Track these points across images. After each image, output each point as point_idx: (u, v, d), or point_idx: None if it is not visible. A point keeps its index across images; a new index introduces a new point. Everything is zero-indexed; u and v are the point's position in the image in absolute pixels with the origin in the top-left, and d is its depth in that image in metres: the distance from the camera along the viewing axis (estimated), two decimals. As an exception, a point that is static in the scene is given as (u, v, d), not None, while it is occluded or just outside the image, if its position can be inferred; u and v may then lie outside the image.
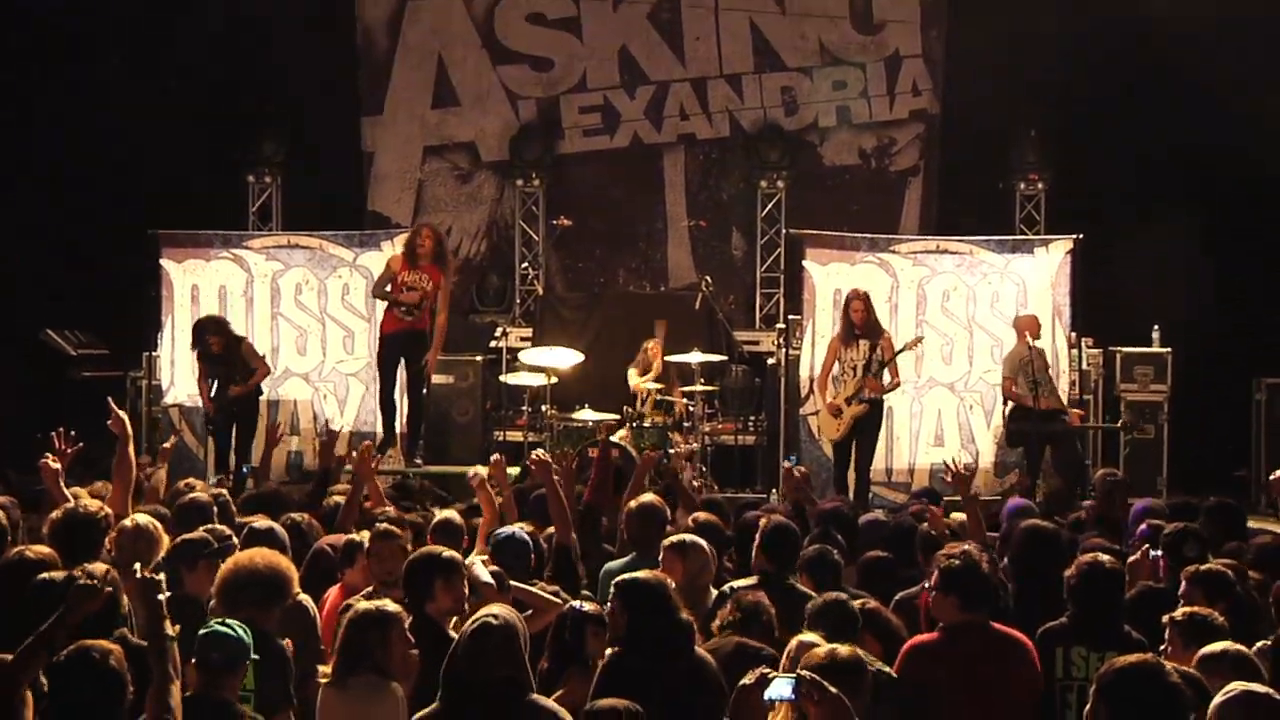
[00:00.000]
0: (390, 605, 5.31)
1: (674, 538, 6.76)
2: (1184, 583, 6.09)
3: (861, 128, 15.94)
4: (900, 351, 11.85)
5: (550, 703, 4.76)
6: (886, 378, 11.79)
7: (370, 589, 6.24)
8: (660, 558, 6.60)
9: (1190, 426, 13.58)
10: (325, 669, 5.34)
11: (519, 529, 6.95)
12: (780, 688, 4.19)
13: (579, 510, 7.89)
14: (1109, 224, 14.05)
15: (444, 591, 5.71)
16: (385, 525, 6.58)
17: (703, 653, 5.42)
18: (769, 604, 5.86)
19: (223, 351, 12.21)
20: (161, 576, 4.77)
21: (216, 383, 12.20)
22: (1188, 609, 5.60)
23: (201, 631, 5.01)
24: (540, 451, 8.15)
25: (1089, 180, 14.64)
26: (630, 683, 5.08)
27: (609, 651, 5.40)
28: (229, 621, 5.12)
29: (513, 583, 6.20)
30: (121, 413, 7.77)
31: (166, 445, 9.86)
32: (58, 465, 7.19)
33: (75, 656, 4.38)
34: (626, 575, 5.60)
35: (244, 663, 5.04)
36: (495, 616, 4.76)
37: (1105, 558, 6.00)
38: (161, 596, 4.69)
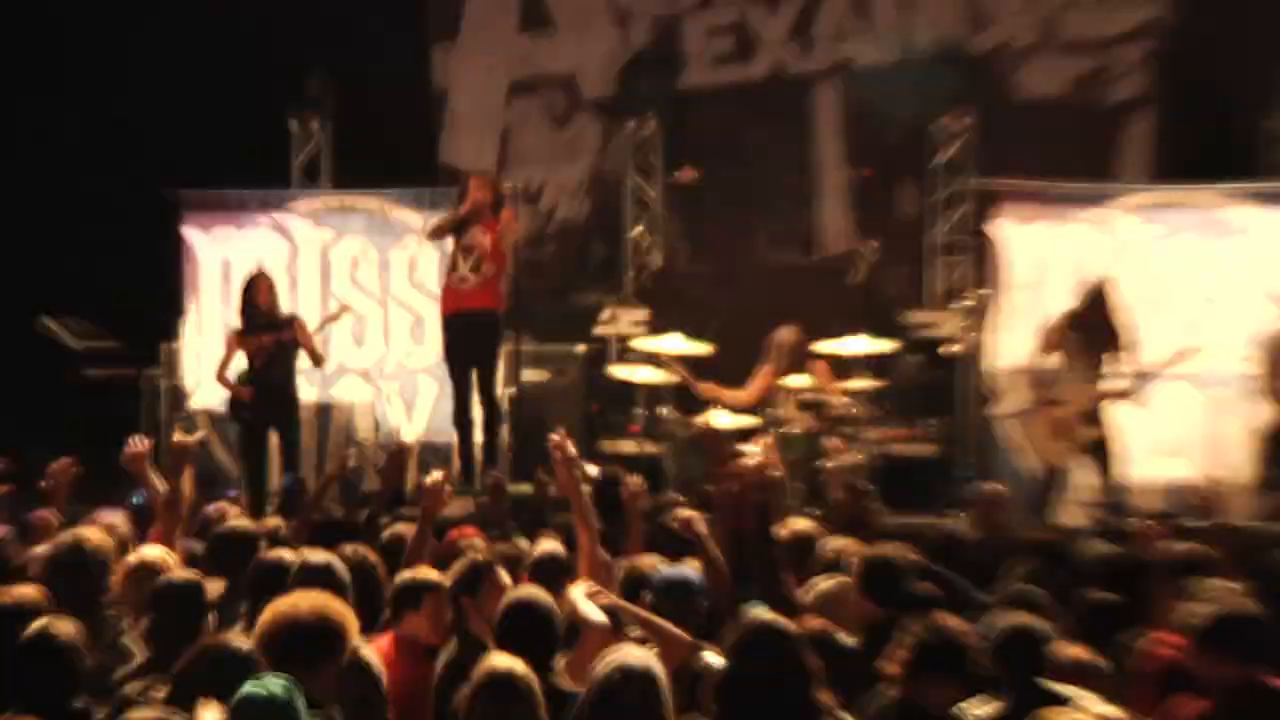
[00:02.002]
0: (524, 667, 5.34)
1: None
2: None
3: (1071, 47, 15.71)
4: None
5: None
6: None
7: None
8: None
9: None
10: None
11: (691, 570, 6.88)
12: None
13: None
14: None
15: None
16: (427, 575, 6.69)
17: None
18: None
19: (270, 306, 12.26)
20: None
21: (262, 362, 12.16)
22: None
23: (236, 697, 4.98)
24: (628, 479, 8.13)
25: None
26: None
27: None
28: (269, 681, 5.10)
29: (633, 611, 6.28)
30: (186, 436, 7.92)
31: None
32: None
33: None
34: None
35: None
36: (629, 664, 4.73)
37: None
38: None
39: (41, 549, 6.56)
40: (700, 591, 6.67)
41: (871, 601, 6.67)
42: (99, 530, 6.86)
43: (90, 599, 6.04)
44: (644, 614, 6.28)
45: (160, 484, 7.80)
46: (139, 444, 8.02)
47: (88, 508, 8.70)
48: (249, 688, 5.06)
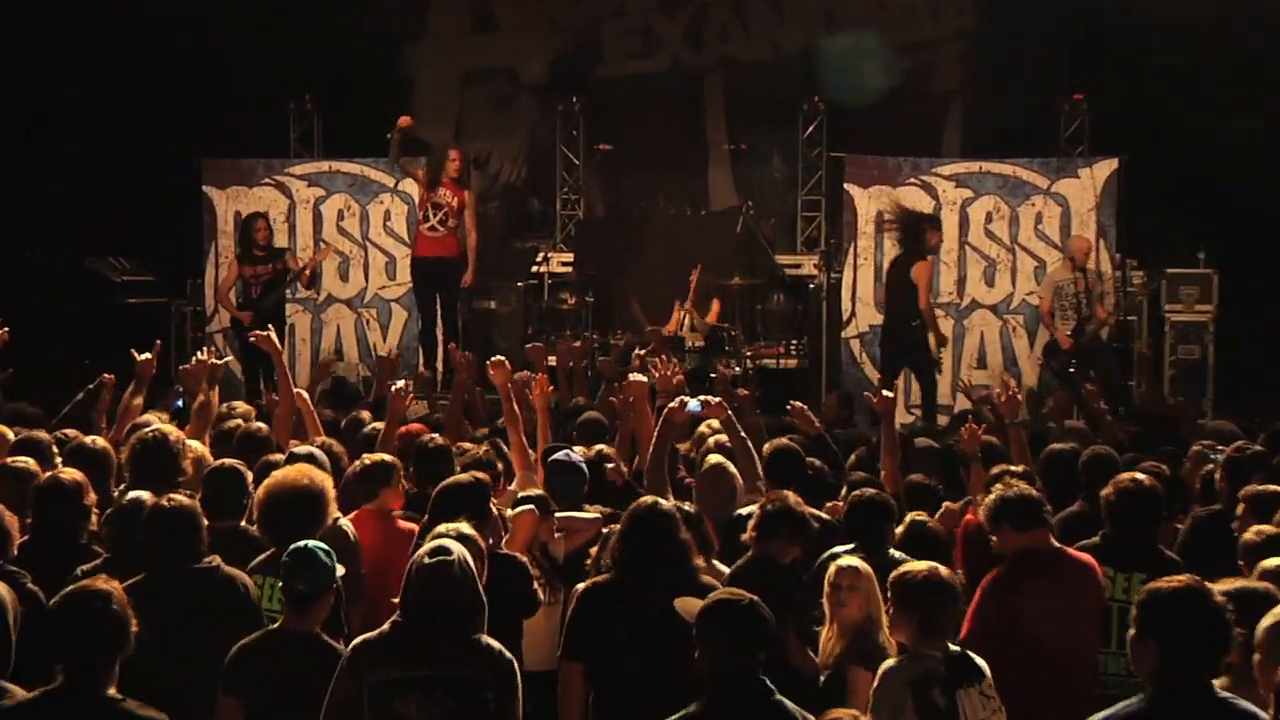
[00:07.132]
0: None
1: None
2: (1241, 504, 6.04)
3: (903, 48, 15.82)
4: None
5: (495, 643, 4.53)
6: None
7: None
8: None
9: (1236, 347, 13.52)
10: None
11: (573, 452, 6.73)
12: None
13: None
14: (1155, 144, 13.90)
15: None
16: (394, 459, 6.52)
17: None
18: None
19: (268, 243, 12.76)
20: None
21: (259, 290, 12.57)
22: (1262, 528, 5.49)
23: (288, 553, 4.87)
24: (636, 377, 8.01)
25: (1133, 99, 14.46)
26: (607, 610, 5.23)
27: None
28: (312, 544, 4.93)
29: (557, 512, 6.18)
30: (215, 359, 7.88)
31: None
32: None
33: (75, 599, 4.31)
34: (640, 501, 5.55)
35: (329, 590, 4.88)
36: (448, 548, 4.53)
37: (1143, 477, 5.94)
38: None
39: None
40: (580, 471, 6.57)
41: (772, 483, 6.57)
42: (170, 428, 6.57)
43: (170, 479, 6.02)
44: (567, 514, 6.26)
45: (215, 394, 7.66)
46: (203, 358, 7.87)
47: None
48: (299, 546, 4.94)
